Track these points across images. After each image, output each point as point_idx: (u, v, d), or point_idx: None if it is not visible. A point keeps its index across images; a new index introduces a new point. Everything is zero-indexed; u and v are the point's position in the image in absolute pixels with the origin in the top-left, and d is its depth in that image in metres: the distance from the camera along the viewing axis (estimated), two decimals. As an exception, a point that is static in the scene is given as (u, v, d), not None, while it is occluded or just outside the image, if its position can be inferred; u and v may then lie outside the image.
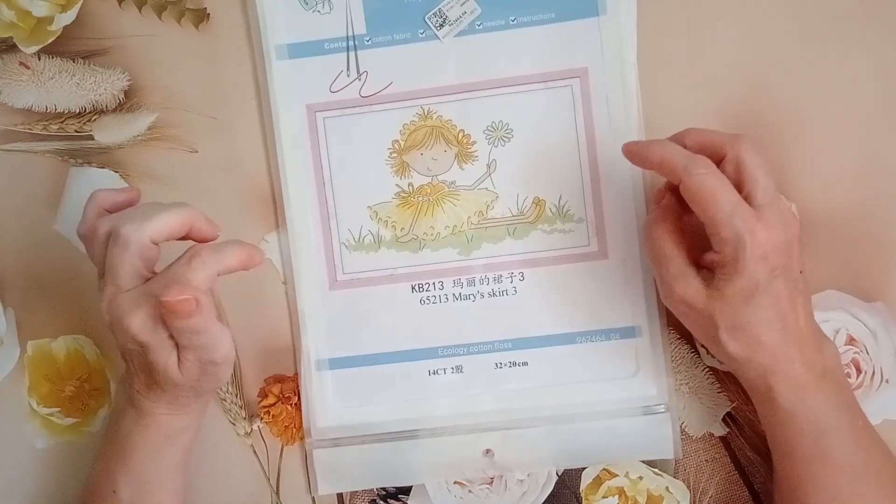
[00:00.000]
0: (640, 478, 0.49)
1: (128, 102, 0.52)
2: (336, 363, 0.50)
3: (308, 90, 0.49)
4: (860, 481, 0.42)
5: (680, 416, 0.49)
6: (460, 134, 0.49)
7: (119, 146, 0.52)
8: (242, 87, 0.51)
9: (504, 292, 0.49)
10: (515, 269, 0.49)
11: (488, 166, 0.49)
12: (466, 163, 0.49)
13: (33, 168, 0.53)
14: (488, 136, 0.49)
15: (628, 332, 0.49)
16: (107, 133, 0.51)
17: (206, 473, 0.52)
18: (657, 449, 0.49)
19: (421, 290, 0.50)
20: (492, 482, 0.50)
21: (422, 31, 0.49)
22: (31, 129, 0.52)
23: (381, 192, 0.50)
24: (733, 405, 0.49)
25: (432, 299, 0.50)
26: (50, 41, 0.50)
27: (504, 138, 0.49)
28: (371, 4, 0.49)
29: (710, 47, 0.49)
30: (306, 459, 0.52)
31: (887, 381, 0.47)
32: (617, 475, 0.49)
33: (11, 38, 0.50)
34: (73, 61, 0.51)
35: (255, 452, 0.52)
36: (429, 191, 0.49)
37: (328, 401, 0.50)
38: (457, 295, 0.50)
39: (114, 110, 0.52)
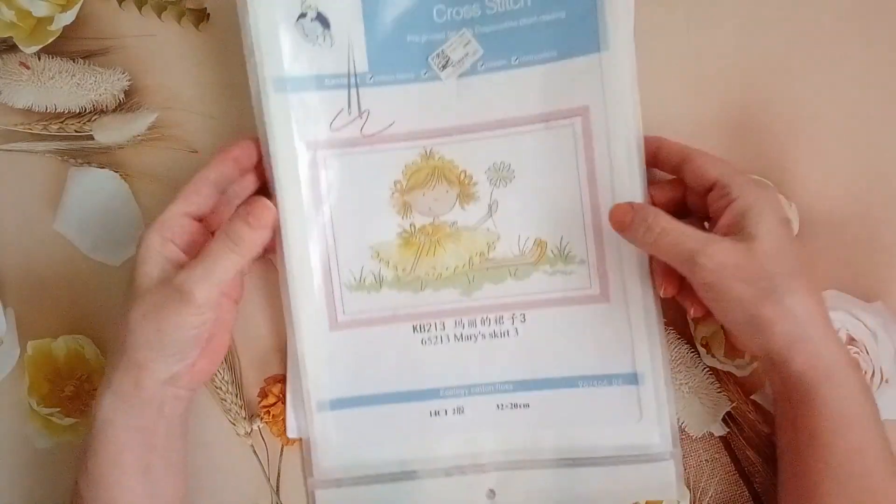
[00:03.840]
0: (640, 478, 0.49)
1: (128, 102, 0.52)
2: (337, 404, 0.49)
3: (308, 126, 0.47)
4: (891, 480, 0.41)
5: (680, 415, 0.49)
6: (462, 174, 0.48)
7: (119, 146, 0.52)
8: (242, 88, 0.51)
9: (506, 333, 0.49)
10: (517, 311, 0.48)
11: (490, 207, 0.48)
12: (468, 203, 0.48)
13: (33, 168, 0.53)
14: (490, 177, 0.48)
15: (630, 379, 0.48)
16: (107, 133, 0.51)
17: (206, 473, 0.52)
18: (660, 493, 0.49)
19: (422, 330, 0.49)
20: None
21: (424, 72, 0.48)
22: (31, 129, 0.52)
23: (382, 231, 0.49)
24: (733, 405, 0.49)
25: (434, 340, 0.49)
26: (50, 41, 0.50)
27: (506, 179, 0.48)
28: (374, 42, 0.47)
29: (710, 47, 0.49)
30: (308, 464, 0.52)
31: (887, 381, 0.47)
32: (617, 475, 0.49)
33: (11, 38, 0.50)
34: (73, 61, 0.51)
35: (255, 452, 0.52)
36: (430, 231, 0.49)
37: (330, 441, 0.50)
38: (458, 335, 0.49)
39: (114, 110, 0.52)
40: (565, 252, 0.48)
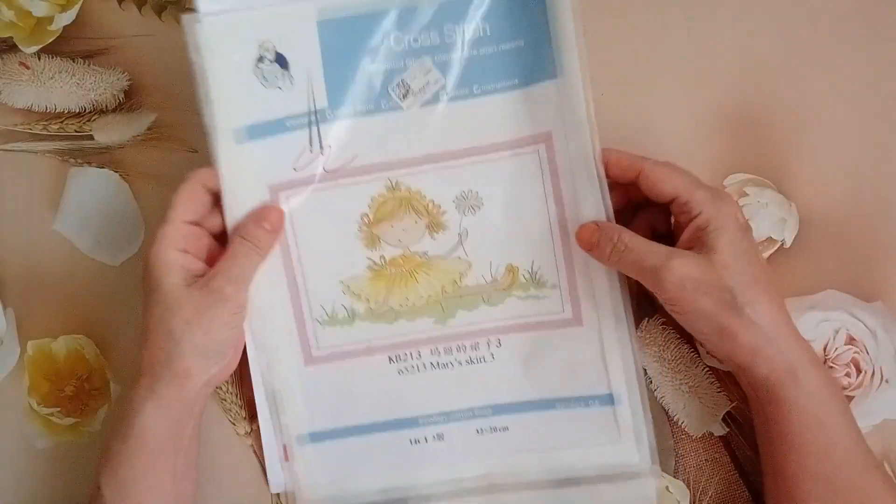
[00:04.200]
0: (640, 478, 0.49)
1: (128, 102, 0.52)
2: (317, 437, 0.49)
3: (270, 170, 0.46)
4: (865, 473, 0.42)
5: (680, 416, 0.49)
6: (430, 204, 0.47)
7: (119, 146, 0.52)
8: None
9: (482, 359, 0.49)
10: (492, 336, 0.48)
11: (460, 235, 0.48)
12: (438, 232, 0.48)
13: (33, 168, 0.53)
14: (458, 205, 0.47)
15: (606, 400, 0.48)
16: (107, 133, 0.51)
17: (206, 473, 0.52)
18: None
19: (398, 360, 0.49)
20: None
21: (385, 102, 0.46)
22: (31, 129, 0.52)
23: (351, 266, 0.48)
24: (733, 405, 0.49)
25: (410, 369, 0.49)
26: (50, 41, 0.50)
27: (474, 207, 0.47)
28: (333, 74, 0.46)
29: (710, 47, 0.49)
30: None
31: (887, 381, 0.47)
32: (617, 475, 0.49)
33: (11, 38, 0.50)
34: (73, 61, 0.51)
35: (255, 452, 0.52)
36: (401, 262, 0.48)
37: (312, 474, 0.50)
38: (434, 364, 0.49)
39: (114, 110, 0.52)
40: (537, 277, 0.48)
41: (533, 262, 0.48)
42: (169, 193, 0.49)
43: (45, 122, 0.52)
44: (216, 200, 0.46)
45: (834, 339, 0.47)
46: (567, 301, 0.47)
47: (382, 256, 0.48)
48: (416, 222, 0.48)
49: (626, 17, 0.51)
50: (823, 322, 0.48)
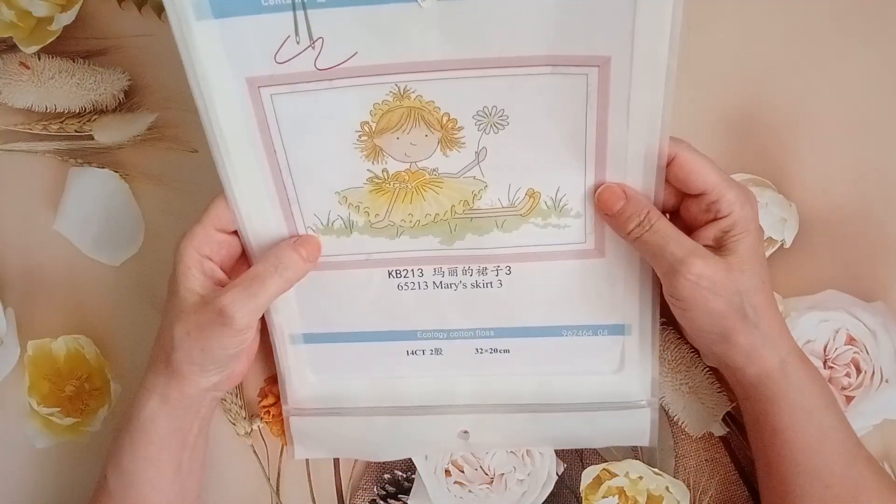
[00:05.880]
0: (640, 478, 0.49)
1: (128, 102, 0.52)
2: (310, 338, 0.48)
3: (245, 59, 0.39)
4: (856, 466, 0.43)
5: (680, 416, 0.49)
6: (444, 118, 0.41)
7: (119, 146, 0.52)
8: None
9: (489, 284, 0.46)
10: (502, 263, 0.45)
11: (477, 154, 0.42)
12: (451, 149, 0.42)
13: (33, 168, 0.53)
14: (478, 122, 0.41)
15: (617, 329, 0.47)
16: (107, 133, 0.51)
17: (206, 473, 0.52)
18: (634, 437, 0.49)
19: (398, 275, 0.46)
20: (492, 482, 0.50)
21: None
22: (31, 129, 0.52)
23: (350, 178, 0.43)
24: (733, 405, 0.49)
25: (411, 285, 0.46)
26: (50, 41, 0.50)
27: (497, 125, 0.41)
28: None
29: (710, 47, 0.49)
30: (308, 460, 0.52)
31: (887, 381, 0.47)
32: (617, 475, 0.49)
33: (11, 38, 0.50)
34: (73, 61, 0.51)
35: (255, 452, 0.52)
36: (407, 177, 0.43)
37: (304, 372, 0.49)
38: (437, 283, 0.46)
39: (114, 110, 0.52)
40: (560, 205, 0.44)
41: (558, 189, 0.43)
42: (169, 193, 0.49)
43: (45, 122, 0.52)
44: None
45: (834, 339, 0.47)
46: (591, 232, 0.44)
47: (385, 170, 0.43)
48: (426, 136, 0.42)
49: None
50: (823, 322, 0.48)
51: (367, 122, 0.41)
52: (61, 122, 0.52)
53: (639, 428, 0.48)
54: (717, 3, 0.49)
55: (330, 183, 0.43)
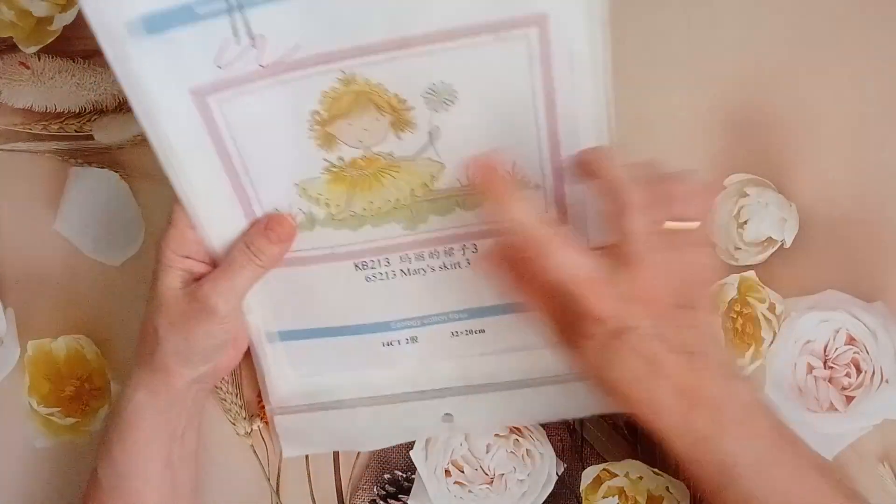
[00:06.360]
0: (640, 478, 0.49)
1: (128, 102, 0.52)
2: (287, 336, 0.48)
3: (187, 71, 0.38)
4: None
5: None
6: (394, 99, 0.40)
7: (119, 146, 0.52)
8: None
9: (456, 265, 0.45)
10: (467, 241, 0.45)
11: (430, 134, 0.41)
12: (404, 131, 0.41)
13: (33, 168, 0.53)
14: (428, 101, 0.40)
15: None
16: (107, 133, 0.51)
17: (206, 473, 0.52)
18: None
19: (365, 267, 0.45)
20: (492, 482, 0.50)
21: None
22: (31, 129, 0.52)
23: (306, 168, 0.42)
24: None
25: (379, 276, 0.46)
26: (50, 41, 0.50)
27: (447, 102, 0.40)
28: None
29: (710, 47, 0.49)
30: (307, 459, 0.52)
31: (887, 381, 0.47)
32: (617, 475, 0.49)
33: (11, 38, 0.50)
34: (73, 61, 0.51)
35: (255, 452, 0.52)
36: (363, 164, 0.42)
37: (284, 370, 0.49)
38: (405, 270, 0.45)
39: (114, 110, 0.52)
40: (518, 177, 0.43)
41: (514, 163, 0.42)
42: (169, 193, 0.49)
43: (45, 122, 0.52)
44: None
45: (834, 339, 0.47)
46: (551, 202, 0.44)
47: (341, 158, 0.42)
48: (377, 120, 0.41)
49: (626, 17, 0.51)
50: (823, 322, 0.48)
51: (318, 112, 0.41)
52: (61, 122, 0.52)
53: None
54: (718, 3, 0.49)
55: (287, 176, 0.43)
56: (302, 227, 0.44)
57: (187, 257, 0.44)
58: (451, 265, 0.46)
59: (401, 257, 0.45)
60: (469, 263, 0.45)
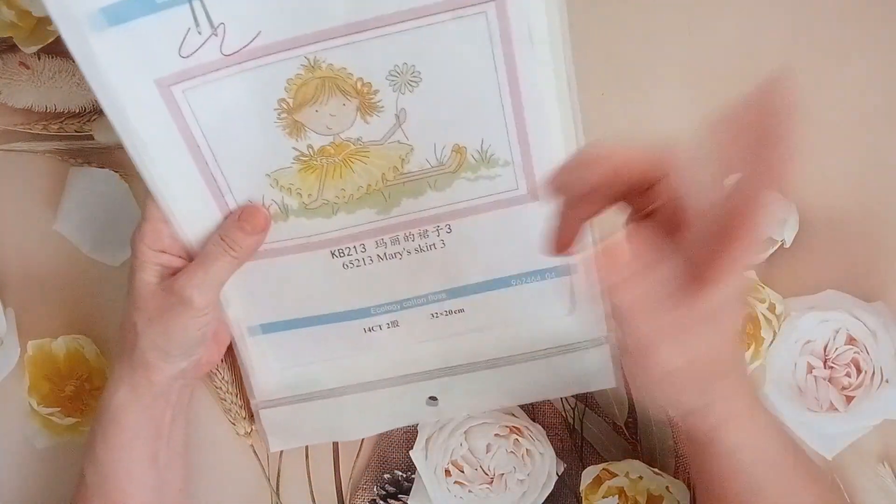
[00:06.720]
0: (640, 478, 0.49)
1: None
2: (268, 328, 0.48)
3: (151, 62, 0.38)
4: None
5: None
6: (359, 83, 0.40)
7: (119, 146, 0.52)
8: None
9: (431, 247, 0.46)
10: (441, 223, 0.45)
11: (397, 116, 0.42)
12: (371, 115, 0.41)
13: (33, 168, 0.53)
14: (392, 83, 0.41)
15: (563, 270, 0.47)
16: (107, 133, 0.51)
17: (205, 473, 0.52)
18: (599, 380, 0.49)
19: (341, 255, 0.45)
20: (492, 482, 0.50)
21: None
22: (31, 129, 0.52)
23: (276, 157, 0.42)
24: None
25: (355, 262, 0.46)
26: (50, 41, 0.50)
27: (411, 83, 0.41)
28: None
29: (711, 47, 0.49)
30: (307, 459, 0.52)
31: (887, 381, 0.47)
32: (617, 475, 0.49)
33: (11, 38, 0.50)
34: (73, 61, 0.51)
35: (255, 452, 0.52)
36: (332, 151, 0.42)
37: (267, 363, 0.49)
38: (381, 255, 0.46)
39: (114, 110, 0.52)
40: (487, 155, 0.43)
41: (482, 141, 0.43)
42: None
43: (45, 122, 0.52)
44: None
45: (834, 339, 0.47)
46: (521, 177, 0.44)
47: (310, 146, 0.42)
48: (343, 105, 0.41)
49: (626, 17, 0.51)
50: (823, 322, 0.48)
51: (285, 100, 0.41)
52: (61, 122, 0.52)
53: (602, 368, 0.48)
54: (718, 3, 0.49)
55: (258, 166, 0.43)
56: (276, 218, 0.44)
57: (162, 252, 0.43)
58: (427, 247, 0.46)
59: (376, 242, 0.45)
60: (444, 244, 0.46)
